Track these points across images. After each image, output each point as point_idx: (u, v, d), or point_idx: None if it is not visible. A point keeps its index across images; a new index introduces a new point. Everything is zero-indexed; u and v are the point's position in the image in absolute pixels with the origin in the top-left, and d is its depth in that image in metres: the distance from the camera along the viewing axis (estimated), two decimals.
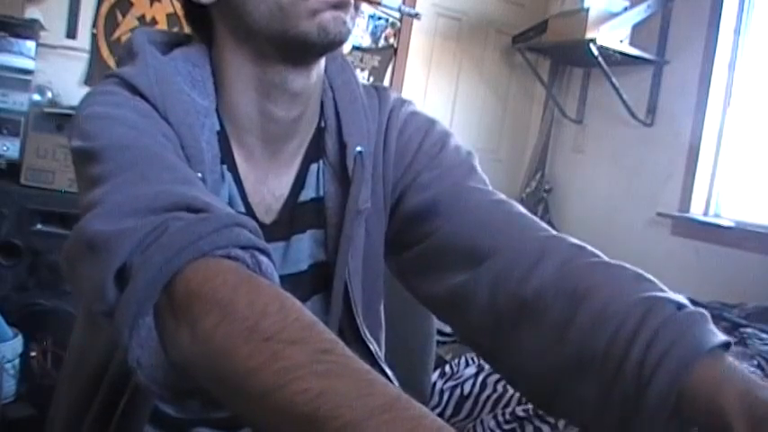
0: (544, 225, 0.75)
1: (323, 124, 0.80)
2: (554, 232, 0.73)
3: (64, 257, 0.57)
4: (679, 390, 0.54)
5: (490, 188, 0.80)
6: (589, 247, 0.70)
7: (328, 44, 0.69)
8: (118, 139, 0.63)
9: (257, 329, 0.46)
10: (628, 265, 0.67)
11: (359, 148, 0.78)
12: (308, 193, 0.79)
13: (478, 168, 0.82)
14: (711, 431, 0.53)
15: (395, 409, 0.40)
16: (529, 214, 0.77)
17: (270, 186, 0.78)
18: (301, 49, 0.71)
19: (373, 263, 0.82)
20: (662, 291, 0.62)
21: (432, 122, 0.84)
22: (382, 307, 0.87)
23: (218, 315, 0.48)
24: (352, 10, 0.70)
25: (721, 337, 0.57)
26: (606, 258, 0.69)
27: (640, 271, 0.66)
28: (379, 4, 0.71)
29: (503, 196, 0.79)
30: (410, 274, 0.81)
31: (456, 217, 0.76)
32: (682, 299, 0.61)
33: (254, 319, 0.46)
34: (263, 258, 0.56)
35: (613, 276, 0.65)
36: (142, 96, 0.69)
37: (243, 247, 0.54)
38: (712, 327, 0.58)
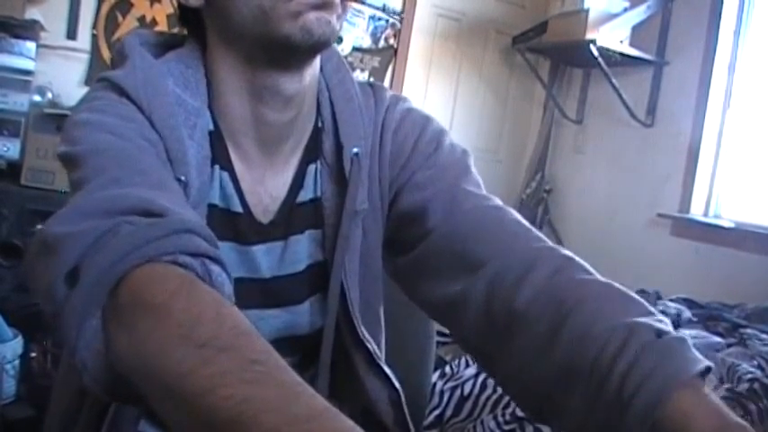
0: (536, 233, 0.75)
1: (320, 124, 0.80)
2: (546, 243, 0.73)
3: (26, 258, 0.58)
4: (654, 421, 0.55)
5: (484, 191, 0.80)
6: (578, 259, 0.71)
7: (313, 45, 0.69)
8: (96, 144, 0.64)
9: (191, 336, 0.46)
10: (615, 284, 0.67)
11: (355, 150, 0.78)
12: (306, 194, 0.79)
13: (473, 168, 0.82)
14: None
15: (318, 419, 0.40)
16: (522, 221, 0.77)
17: (267, 187, 0.78)
18: (287, 52, 0.70)
19: (371, 263, 0.82)
20: (647, 312, 0.63)
21: (427, 120, 0.84)
22: (382, 308, 0.87)
23: (154, 319, 0.48)
24: (338, 9, 0.69)
25: (699, 364, 0.57)
26: (595, 274, 0.69)
27: (626, 290, 0.66)
28: (363, 2, 0.70)
29: (497, 201, 0.79)
30: (406, 279, 0.81)
31: (449, 221, 0.76)
32: (662, 323, 0.61)
33: (189, 326, 0.46)
34: (214, 267, 0.56)
35: (599, 294, 0.65)
36: (129, 99, 0.69)
37: (192, 255, 0.54)
38: (691, 353, 0.58)
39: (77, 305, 0.51)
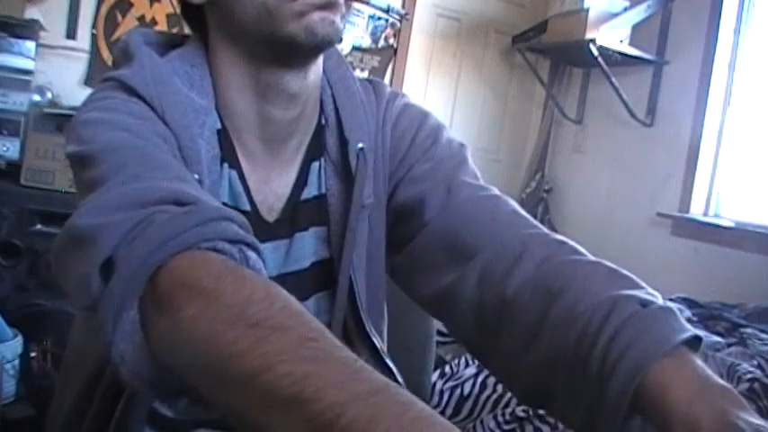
0: (531, 221, 0.75)
1: (323, 121, 0.80)
2: (538, 229, 0.73)
3: (53, 254, 0.57)
4: (635, 391, 0.54)
5: (481, 182, 0.80)
6: (570, 243, 0.71)
7: (317, 45, 0.69)
8: (111, 141, 0.63)
9: (243, 316, 0.45)
10: (605, 262, 0.67)
11: (361, 145, 0.78)
12: (310, 191, 0.79)
13: (470, 161, 0.82)
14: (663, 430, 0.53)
15: (382, 394, 0.39)
16: (517, 209, 0.76)
17: (272, 185, 0.78)
18: (290, 51, 0.70)
19: (376, 258, 0.82)
20: (636, 286, 0.62)
21: (425, 115, 0.85)
22: (385, 302, 0.87)
23: (203, 302, 0.47)
24: (342, 9, 0.70)
25: (684, 333, 0.56)
26: (586, 255, 0.69)
27: (615, 267, 0.66)
28: (368, 2, 0.71)
29: (494, 191, 0.79)
30: (402, 274, 0.81)
31: (444, 213, 0.76)
32: (650, 295, 0.60)
33: (240, 307, 0.46)
34: (251, 253, 0.55)
35: (585, 274, 0.65)
36: (139, 98, 0.69)
37: (230, 241, 0.54)
38: (678, 322, 0.57)
39: (115, 296, 0.50)
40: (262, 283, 0.50)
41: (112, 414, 0.71)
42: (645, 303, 0.59)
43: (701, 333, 0.58)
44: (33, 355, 1.64)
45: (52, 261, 0.58)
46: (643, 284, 0.63)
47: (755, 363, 1.65)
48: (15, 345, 1.53)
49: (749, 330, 1.91)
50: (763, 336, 1.86)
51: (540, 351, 0.64)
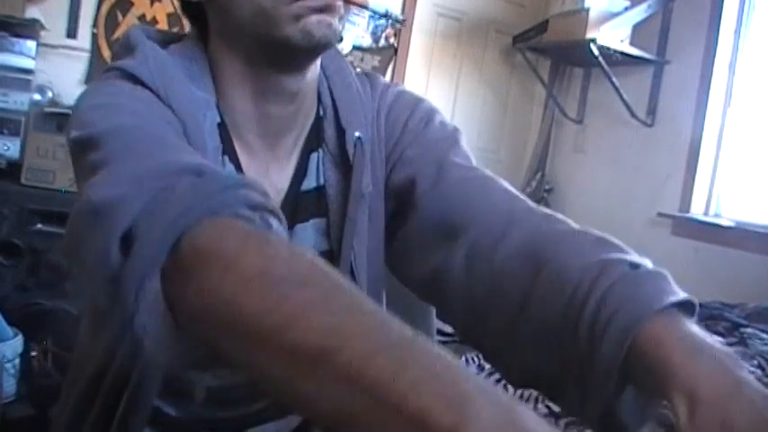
0: (520, 197, 0.74)
1: (321, 113, 0.80)
2: (527, 204, 0.72)
3: (66, 233, 0.55)
4: (626, 355, 0.53)
5: (473, 163, 0.79)
6: (558, 215, 0.70)
7: (313, 48, 0.69)
8: (120, 123, 0.61)
9: (267, 274, 0.45)
10: (593, 231, 0.66)
11: (358, 134, 0.78)
12: (309, 183, 0.79)
13: (462, 143, 0.82)
14: (658, 393, 0.52)
15: (413, 345, 0.39)
16: (508, 188, 0.75)
17: (271, 179, 0.77)
18: (287, 53, 0.70)
19: (376, 247, 0.82)
20: (625, 252, 0.61)
21: (418, 100, 0.85)
22: (384, 291, 0.86)
23: (226, 266, 0.47)
24: (340, 11, 0.69)
25: (678, 296, 0.55)
26: (573, 225, 0.68)
27: (604, 235, 0.65)
28: (366, 7, 0.70)
29: (486, 172, 0.78)
30: (395, 258, 0.81)
31: (434, 193, 0.76)
32: (640, 259, 0.60)
33: (264, 266, 0.46)
34: (272, 220, 0.55)
35: (573, 242, 0.64)
36: (144, 86, 0.68)
37: (252, 208, 0.53)
38: (669, 285, 0.56)
39: (137, 266, 0.49)
40: (285, 244, 0.50)
41: (115, 414, 0.71)
42: (635, 266, 0.58)
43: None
44: (34, 354, 1.64)
45: (65, 241, 0.56)
46: (632, 251, 0.62)
47: (755, 363, 1.65)
48: (16, 344, 1.53)
49: (749, 330, 1.91)
50: (764, 336, 1.86)
51: (529, 324, 0.63)
